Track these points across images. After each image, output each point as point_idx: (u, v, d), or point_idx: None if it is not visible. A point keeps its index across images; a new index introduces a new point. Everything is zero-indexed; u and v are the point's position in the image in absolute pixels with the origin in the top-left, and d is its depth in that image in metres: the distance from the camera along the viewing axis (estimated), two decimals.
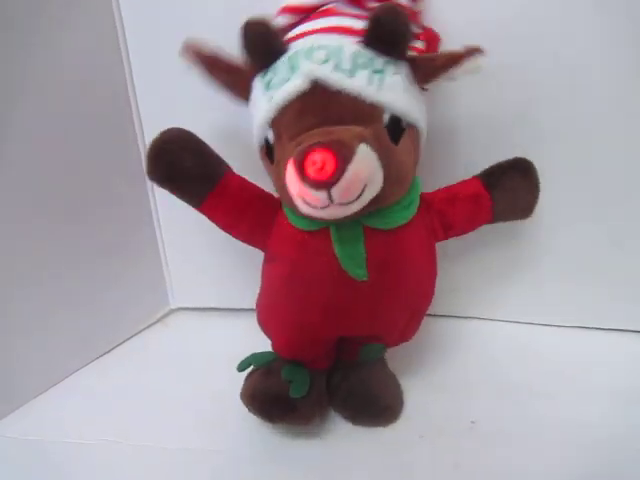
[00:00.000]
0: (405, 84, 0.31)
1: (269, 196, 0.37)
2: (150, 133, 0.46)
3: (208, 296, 0.54)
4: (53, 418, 0.43)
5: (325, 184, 0.28)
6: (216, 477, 0.37)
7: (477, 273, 0.49)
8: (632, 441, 0.38)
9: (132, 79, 0.46)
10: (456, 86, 0.37)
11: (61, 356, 0.47)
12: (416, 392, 0.43)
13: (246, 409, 0.39)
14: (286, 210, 0.35)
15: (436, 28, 0.38)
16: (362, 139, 0.29)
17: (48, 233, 0.43)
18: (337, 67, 0.29)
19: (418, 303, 0.39)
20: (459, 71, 0.32)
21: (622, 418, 0.40)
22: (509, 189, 0.39)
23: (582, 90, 0.41)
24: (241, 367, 0.40)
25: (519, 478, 0.36)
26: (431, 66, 0.32)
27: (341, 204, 0.29)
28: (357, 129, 0.30)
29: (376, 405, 0.40)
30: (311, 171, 0.27)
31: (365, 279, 0.33)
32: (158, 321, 0.55)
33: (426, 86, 0.34)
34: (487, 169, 0.40)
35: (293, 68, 0.30)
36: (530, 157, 0.41)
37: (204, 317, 0.54)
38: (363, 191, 0.29)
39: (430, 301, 0.40)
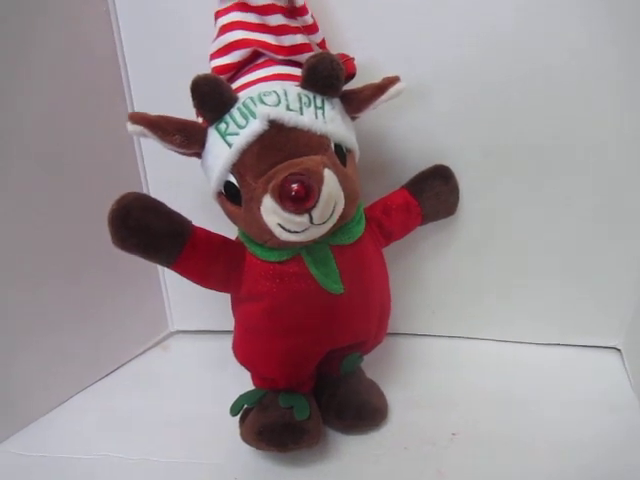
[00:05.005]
0: (341, 115, 0.35)
1: (233, 241, 0.39)
2: (149, 150, 0.49)
3: (208, 319, 0.55)
4: (57, 436, 0.44)
5: (307, 208, 0.31)
6: None
7: (455, 294, 0.51)
8: (609, 444, 0.40)
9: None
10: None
11: (63, 379, 0.48)
12: (399, 407, 0.44)
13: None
14: (254, 249, 0.37)
15: None
16: (325, 165, 0.32)
17: (49, 256, 0.44)
18: (288, 107, 0.33)
19: (384, 303, 0.42)
20: (384, 98, 0.36)
21: (596, 424, 0.42)
22: (433, 195, 0.44)
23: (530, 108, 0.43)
24: (234, 411, 0.41)
25: None
26: (360, 98, 0.36)
27: (318, 224, 0.32)
28: (317, 157, 0.33)
29: (366, 410, 0.42)
30: (293, 198, 0.31)
31: (342, 292, 0.37)
32: (158, 344, 0.56)
33: (356, 115, 0.37)
34: (412, 179, 0.45)
35: (248, 114, 0.33)
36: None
37: (204, 340, 0.55)
38: (334, 210, 0.33)
39: (390, 300, 0.43)
